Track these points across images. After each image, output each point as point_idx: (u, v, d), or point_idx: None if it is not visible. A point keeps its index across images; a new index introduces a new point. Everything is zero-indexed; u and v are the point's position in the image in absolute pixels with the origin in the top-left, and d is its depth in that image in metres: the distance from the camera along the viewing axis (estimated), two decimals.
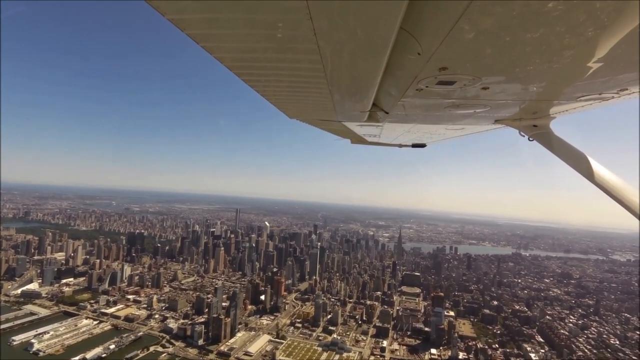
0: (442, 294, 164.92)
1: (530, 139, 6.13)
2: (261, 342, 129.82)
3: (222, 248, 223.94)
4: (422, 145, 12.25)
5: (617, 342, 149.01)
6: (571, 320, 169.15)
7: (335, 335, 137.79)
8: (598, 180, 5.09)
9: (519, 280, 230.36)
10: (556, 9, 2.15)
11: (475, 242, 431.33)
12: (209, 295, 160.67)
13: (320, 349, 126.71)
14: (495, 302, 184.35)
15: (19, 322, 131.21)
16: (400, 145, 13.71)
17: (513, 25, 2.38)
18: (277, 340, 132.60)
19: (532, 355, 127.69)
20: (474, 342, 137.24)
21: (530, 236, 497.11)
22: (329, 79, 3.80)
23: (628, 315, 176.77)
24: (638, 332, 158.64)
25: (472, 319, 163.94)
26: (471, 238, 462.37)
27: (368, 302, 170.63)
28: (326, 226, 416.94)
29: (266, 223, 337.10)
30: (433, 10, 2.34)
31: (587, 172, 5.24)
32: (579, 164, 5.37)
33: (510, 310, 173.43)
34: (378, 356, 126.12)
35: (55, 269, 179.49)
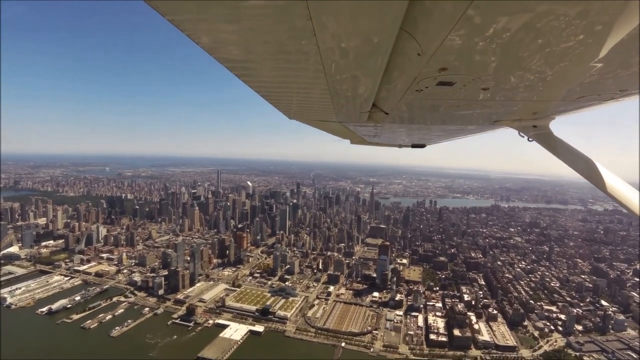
0: (387, 243, 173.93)
1: (530, 139, 6.20)
2: (217, 290, 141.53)
3: (197, 208, 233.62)
4: (422, 146, 12.42)
5: (557, 285, 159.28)
6: (520, 266, 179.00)
7: (287, 283, 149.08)
8: (598, 181, 5.15)
9: (484, 230, 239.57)
10: (556, 9, 2.16)
11: (460, 196, 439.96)
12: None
13: (269, 294, 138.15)
14: (453, 250, 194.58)
15: None
16: (400, 146, 13.99)
17: (513, 26, 2.37)
18: (232, 288, 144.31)
19: (466, 296, 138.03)
20: (416, 286, 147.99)
21: (517, 189, 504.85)
22: (329, 80, 3.86)
23: (579, 261, 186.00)
24: (583, 276, 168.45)
25: (424, 266, 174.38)
26: (457, 192, 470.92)
27: (329, 254, 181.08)
28: (315, 184, 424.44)
29: (248, 183, 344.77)
30: (433, 10, 2.33)
31: (587, 173, 5.34)
32: (579, 164, 5.48)
33: (463, 257, 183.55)
34: (323, 299, 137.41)
35: (34, 233, 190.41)
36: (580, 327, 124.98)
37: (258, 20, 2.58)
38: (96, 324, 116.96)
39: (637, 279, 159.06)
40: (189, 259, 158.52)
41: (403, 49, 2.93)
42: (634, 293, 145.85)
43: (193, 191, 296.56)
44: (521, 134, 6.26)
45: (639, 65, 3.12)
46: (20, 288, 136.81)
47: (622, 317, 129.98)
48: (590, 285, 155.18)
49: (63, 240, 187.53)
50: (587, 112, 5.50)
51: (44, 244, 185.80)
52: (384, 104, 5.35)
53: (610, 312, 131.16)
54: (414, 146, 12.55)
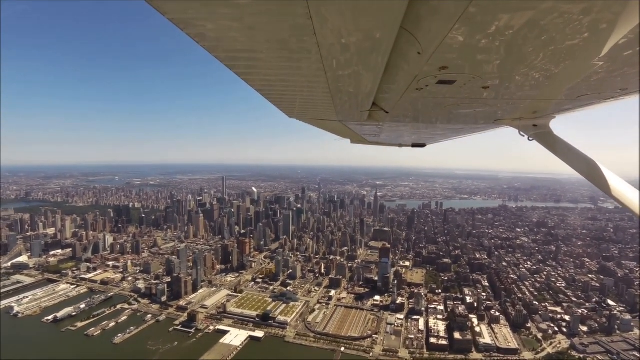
0: (388, 246, 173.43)
1: (530, 138, 6.23)
2: (219, 297, 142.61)
3: (202, 215, 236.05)
4: (422, 145, 12.40)
5: (563, 285, 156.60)
6: (526, 266, 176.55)
7: (289, 288, 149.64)
8: (598, 181, 5.21)
9: (490, 231, 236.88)
10: (556, 9, 2.17)
11: (467, 197, 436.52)
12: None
13: (270, 299, 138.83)
14: (457, 252, 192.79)
15: (4, 290, 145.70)
16: (400, 145, 14.02)
17: (513, 25, 2.39)
18: (234, 294, 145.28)
19: (468, 298, 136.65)
20: (418, 289, 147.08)
21: (526, 188, 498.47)
22: (329, 79, 3.89)
23: (587, 260, 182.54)
24: (590, 276, 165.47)
25: (428, 268, 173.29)
26: (464, 193, 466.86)
27: (331, 257, 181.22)
28: (321, 189, 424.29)
29: (253, 189, 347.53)
30: (433, 9, 2.35)
31: (587, 172, 5.38)
32: (579, 163, 5.52)
33: (467, 259, 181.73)
34: (324, 304, 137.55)
35: (43, 243, 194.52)
36: (585, 328, 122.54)
37: (258, 19, 2.57)
38: (99, 332, 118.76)
39: None
40: (192, 265, 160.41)
41: (403, 47, 2.92)
42: None
43: (199, 198, 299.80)
44: (521, 133, 6.34)
45: (639, 65, 3.10)
46: (27, 297, 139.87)
47: (628, 317, 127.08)
48: (597, 285, 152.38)
49: (71, 249, 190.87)
50: (588, 111, 5.60)
51: (52, 253, 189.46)
52: (384, 103, 5.40)
53: (616, 312, 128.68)
54: (414, 145, 12.54)
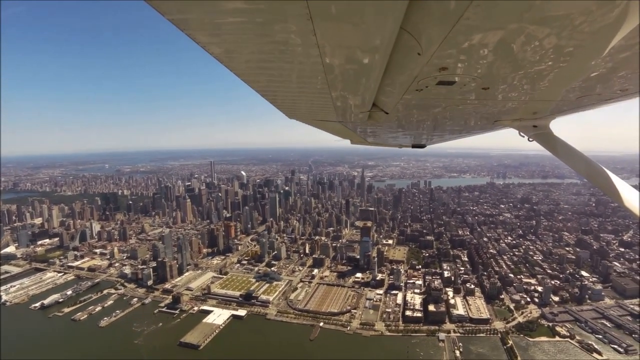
0: (369, 224, 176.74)
1: (530, 139, 6.25)
2: (204, 279, 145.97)
3: (188, 200, 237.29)
4: (422, 146, 12.49)
5: (540, 258, 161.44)
6: (506, 241, 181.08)
7: (274, 269, 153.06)
8: (597, 181, 5.25)
9: (475, 208, 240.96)
10: (556, 9, 2.16)
11: (456, 175, 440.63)
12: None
13: (254, 280, 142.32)
14: (441, 229, 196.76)
15: None
16: (400, 146, 14.11)
17: (513, 26, 2.39)
18: (219, 276, 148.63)
19: (446, 272, 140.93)
20: (399, 265, 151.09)
21: (516, 165, 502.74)
22: (329, 80, 3.85)
23: (565, 234, 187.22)
24: (567, 249, 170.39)
25: (411, 245, 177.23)
26: (453, 171, 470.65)
27: (317, 238, 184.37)
28: (312, 170, 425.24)
29: (242, 173, 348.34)
30: (433, 10, 2.32)
31: (587, 173, 5.39)
32: (579, 164, 5.52)
33: (449, 235, 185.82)
34: (306, 282, 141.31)
35: (30, 233, 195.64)
36: (557, 298, 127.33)
37: (257, 20, 2.57)
38: (86, 316, 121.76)
39: (622, 249, 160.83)
40: (177, 249, 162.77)
41: (403, 48, 2.94)
42: (616, 263, 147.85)
43: (187, 184, 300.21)
44: (521, 134, 6.37)
45: (639, 65, 3.14)
46: (14, 286, 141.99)
47: (599, 286, 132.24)
48: (573, 257, 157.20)
49: (58, 239, 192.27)
50: (588, 111, 5.54)
51: (39, 242, 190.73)
52: (384, 104, 5.33)
53: (587, 283, 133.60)
54: (414, 146, 12.59)
